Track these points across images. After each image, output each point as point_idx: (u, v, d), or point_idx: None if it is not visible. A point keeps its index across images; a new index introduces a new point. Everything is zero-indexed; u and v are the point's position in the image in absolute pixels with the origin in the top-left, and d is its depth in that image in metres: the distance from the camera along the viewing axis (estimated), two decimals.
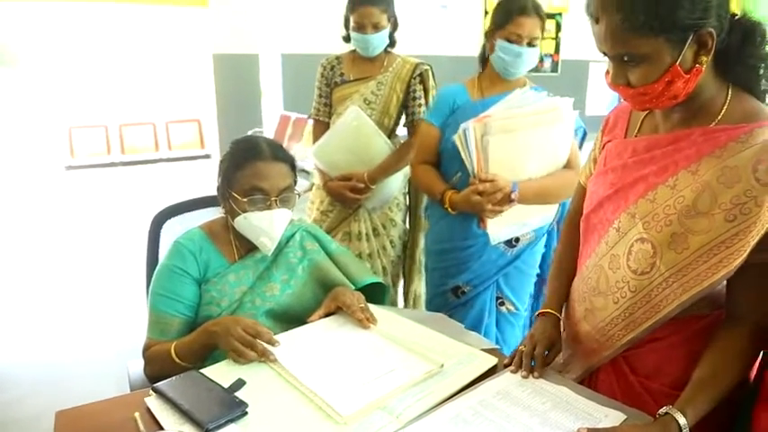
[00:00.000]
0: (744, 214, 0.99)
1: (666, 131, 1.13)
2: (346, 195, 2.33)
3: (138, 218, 1.78)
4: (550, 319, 1.31)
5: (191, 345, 1.34)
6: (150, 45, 8.88)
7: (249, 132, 5.98)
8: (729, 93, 1.07)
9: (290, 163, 1.52)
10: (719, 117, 1.06)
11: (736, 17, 1.04)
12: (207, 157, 8.10)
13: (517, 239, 1.95)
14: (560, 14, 9.70)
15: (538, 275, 2.10)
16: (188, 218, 1.79)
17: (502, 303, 2.01)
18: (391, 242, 2.47)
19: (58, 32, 8.61)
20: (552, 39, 9.39)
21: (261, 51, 7.07)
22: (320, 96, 2.47)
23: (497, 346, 1.40)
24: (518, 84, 1.95)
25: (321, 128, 2.47)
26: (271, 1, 6.87)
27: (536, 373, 1.20)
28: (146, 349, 1.41)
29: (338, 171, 2.37)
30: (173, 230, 1.72)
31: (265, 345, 1.29)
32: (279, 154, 1.50)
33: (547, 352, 1.26)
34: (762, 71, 1.07)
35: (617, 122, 1.27)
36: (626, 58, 1.02)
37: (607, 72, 1.08)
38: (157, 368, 1.35)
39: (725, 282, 1.05)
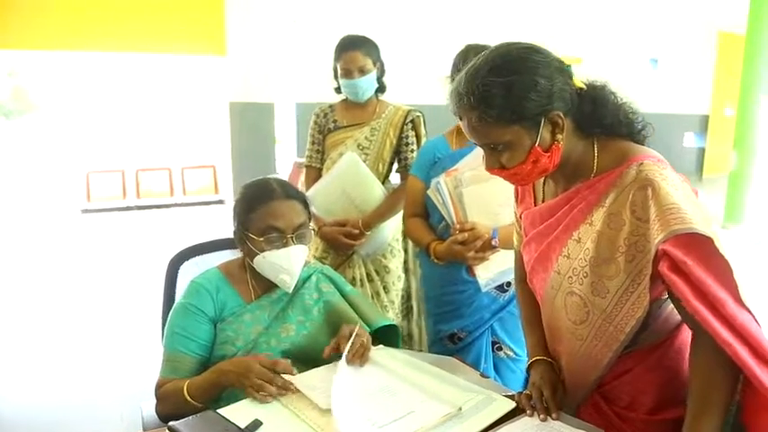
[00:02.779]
0: (640, 252, 1.06)
1: (561, 193, 1.22)
2: (341, 241, 2.33)
3: (152, 261, 1.79)
4: (542, 365, 1.33)
5: (203, 384, 1.35)
6: (168, 92, 9.11)
7: None
8: (596, 147, 1.16)
9: (302, 200, 1.55)
10: (595, 169, 1.16)
11: (582, 91, 1.13)
12: (221, 202, 8.19)
13: (509, 284, 1.92)
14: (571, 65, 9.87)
15: None
16: (205, 260, 1.81)
17: (500, 348, 1.98)
18: (385, 288, 2.46)
19: (77, 80, 8.87)
20: None
21: (276, 100, 7.23)
22: (313, 143, 2.52)
23: (514, 392, 1.38)
24: None
25: (313, 174, 2.53)
26: (287, 51, 7.06)
27: (554, 415, 1.20)
28: (158, 387, 1.41)
29: (333, 216, 2.37)
30: (190, 272, 1.73)
31: (285, 378, 1.30)
32: (291, 192, 1.53)
33: None
34: (622, 121, 1.16)
35: (524, 194, 1.36)
36: (493, 146, 1.13)
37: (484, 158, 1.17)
38: (169, 406, 1.36)
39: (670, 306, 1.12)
